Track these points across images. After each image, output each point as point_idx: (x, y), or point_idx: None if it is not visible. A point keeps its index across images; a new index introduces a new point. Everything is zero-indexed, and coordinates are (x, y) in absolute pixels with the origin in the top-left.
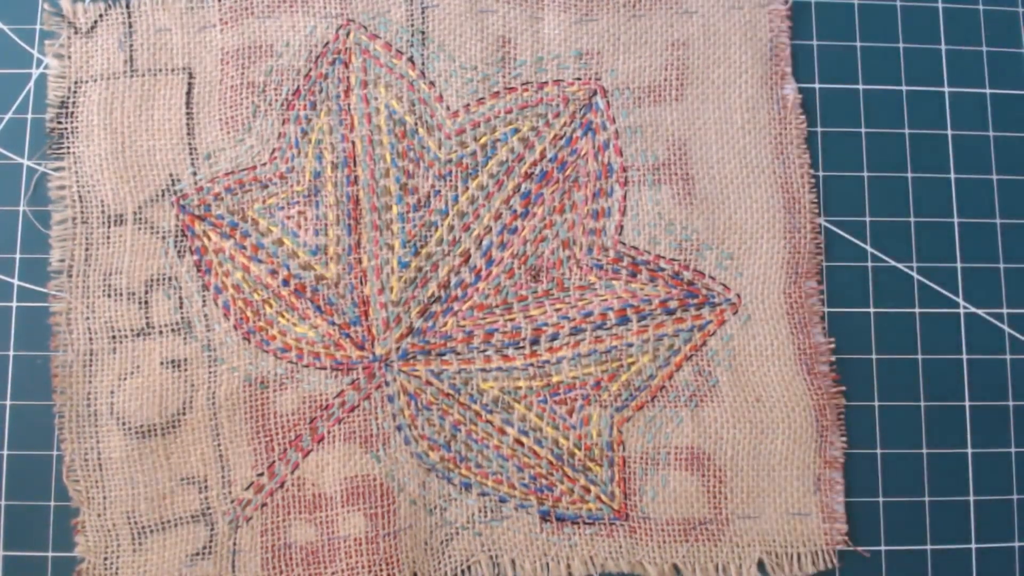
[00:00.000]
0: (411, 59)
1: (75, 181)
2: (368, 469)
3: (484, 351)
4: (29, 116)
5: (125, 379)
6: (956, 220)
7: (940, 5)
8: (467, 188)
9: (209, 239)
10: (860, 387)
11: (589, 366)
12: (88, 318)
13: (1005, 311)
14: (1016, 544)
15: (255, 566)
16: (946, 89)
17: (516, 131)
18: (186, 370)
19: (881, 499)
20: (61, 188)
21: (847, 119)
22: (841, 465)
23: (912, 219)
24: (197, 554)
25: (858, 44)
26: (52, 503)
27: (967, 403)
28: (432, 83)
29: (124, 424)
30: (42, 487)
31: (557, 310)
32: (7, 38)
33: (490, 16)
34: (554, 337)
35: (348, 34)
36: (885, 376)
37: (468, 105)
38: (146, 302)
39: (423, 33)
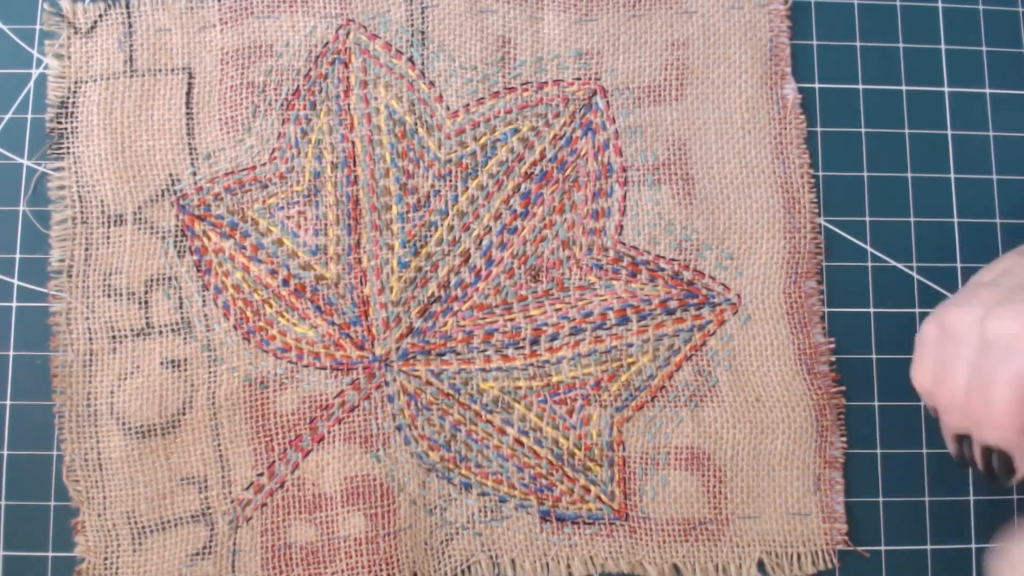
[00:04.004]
0: (411, 59)
1: (75, 181)
2: (368, 469)
3: (484, 351)
4: (29, 116)
5: (125, 379)
6: (956, 220)
7: (940, 5)
8: (467, 188)
9: (209, 239)
10: (860, 387)
11: (589, 366)
12: (88, 318)
13: None
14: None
15: (255, 566)
16: (946, 89)
17: (516, 131)
18: (186, 370)
19: (881, 499)
20: (61, 188)
21: (847, 119)
22: (841, 465)
23: (912, 219)
24: (197, 554)
25: (858, 44)
26: (52, 503)
27: None
28: (432, 83)
29: (124, 424)
30: (42, 487)
31: (557, 310)
32: (7, 38)
33: (490, 16)
34: (554, 337)
35: (348, 34)
36: (885, 376)
37: (468, 105)
38: (146, 302)
39: (423, 33)
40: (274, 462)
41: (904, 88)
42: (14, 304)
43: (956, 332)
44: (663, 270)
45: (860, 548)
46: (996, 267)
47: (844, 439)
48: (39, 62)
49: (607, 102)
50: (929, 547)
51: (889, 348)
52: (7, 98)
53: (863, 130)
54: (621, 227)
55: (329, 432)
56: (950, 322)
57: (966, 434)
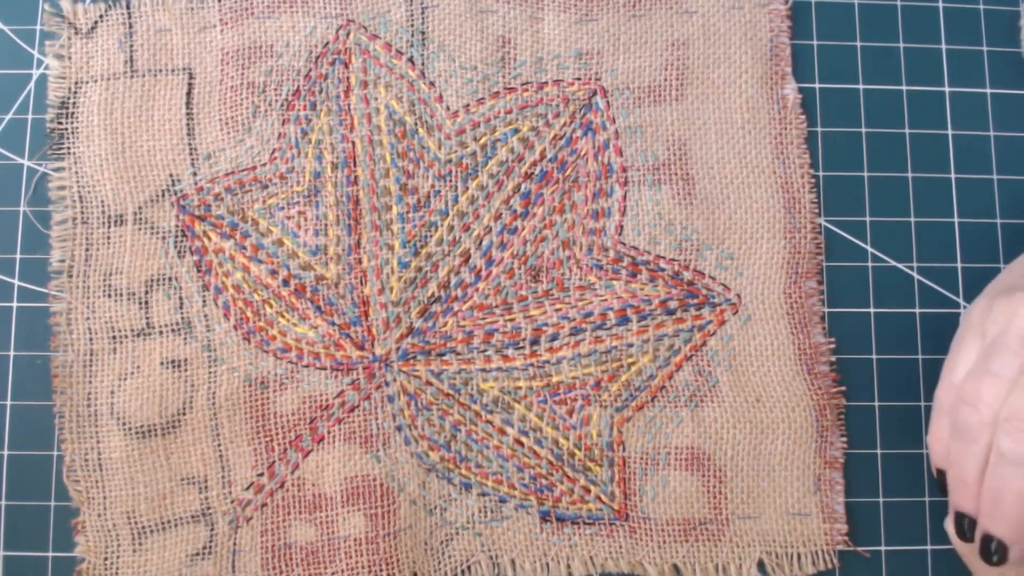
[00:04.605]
0: (411, 59)
1: (75, 181)
2: (368, 469)
3: (484, 351)
4: (29, 116)
5: (125, 379)
6: (956, 220)
7: (940, 5)
8: (467, 188)
9: (209, 239)
10: (860, 387)
11: (589, 366)
12: (88, 318)
13: None
14: None
15: (255, 566)
16: (946, 89)
17: (516, 131)
18: (186, 370)
19: (881, 499)
20: (61, 188)
21: (847, 119)
22: (841, 465)
23: (912, 219)
24: (197, 554)
25: (858, 44)
26: (52, 503)
27: None
28: (432, 83)
29: (124, 424)
30: (42, 487)
31: (557, 310)
32: (7, 38)
33: (490, 16)
34: (554, 337)
35: (348, 34)
36: (885, 376)
37: (468, 105)
38: (146, 302)
39: (423, 33)
40: (274, 462)
41: (904, 88)
42: (14, 304)
43: (966, 432)
44: (663, 270)
45: (860, 548)
46: (995, 314)
47: (844, 439)
48: (39, 62)
49: (607, 102)
50: (929, 547)
51: (889, 348)
52: (8, 98)
53: (863, 130)
54: (621, 227)
55: (329, 432)
56: (959, 421)
57: (971, 517)
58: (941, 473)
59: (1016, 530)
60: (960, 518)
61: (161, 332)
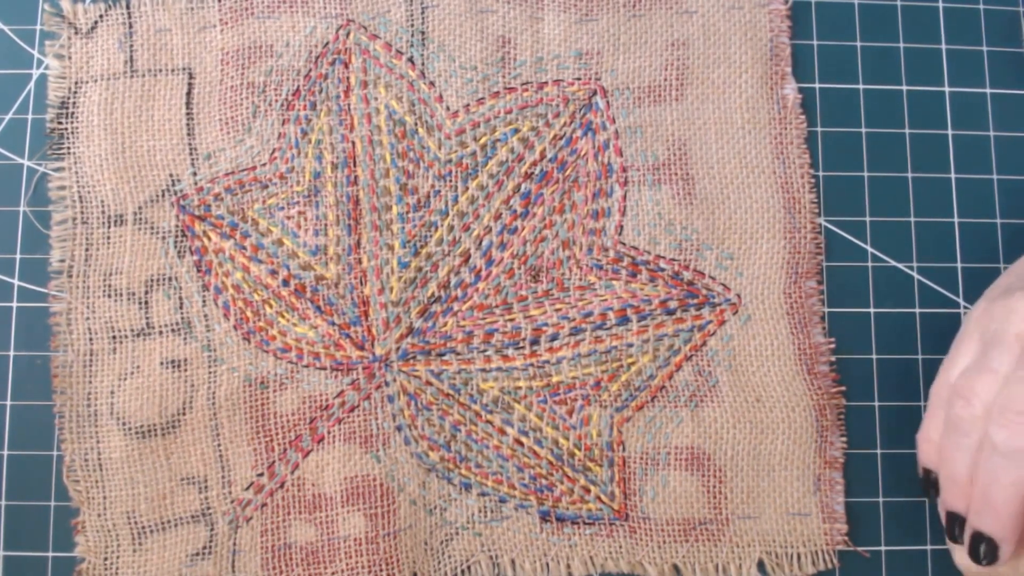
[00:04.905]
0: (411, 59)
1: (75, 181)
2: (368, 469)
3: (484, 351)
4: (29, 116)
5: (125, 379)
6: (956, 220)
7: (940, 5)
8: (467, 188)
9: (209, 239)
10: (860, 387)
11: (589, 366)
12: (88, 318)
13: None
14: None
15: (255, 566)
16: (946, 89)
17: (516, 131)
18: (186, 370)
19: (881, 499)
20: (61, 188)
21: (847, 119)
22: (841, 465)
23: (912, 219)
24: (197, 554)
25: (858, 44)
26: (52, 503)
27: None
28: (432, 83)
29: (124, 424)
30: (42, 487)
31: (557, 310)
32: (7, 38)
33: (490, 16)
34: (554, 337)
35: (348, 34)
36: (885, 376)
37: (468, 105)
38: (146, 302)
39: (423, 33)
40: (274, 462)
41: (904, 88)
42: (14, 304)
43: (958, 426)
44: (663, 270)
45: (860, 548)
46: (993, 314)
47: (844, 439)
48: (39, 62)
49: (607, 102)
50: (929, 547)
51: (889, 348)
52: (7, 98)
53: (863, 130)
54: (621, 227)
55: (329, 432)
56: (952, 416)
57: (961, 515)
58: (927, 472)
59: (1007, 526)
60: (951, 519)
61: (161, 332)
